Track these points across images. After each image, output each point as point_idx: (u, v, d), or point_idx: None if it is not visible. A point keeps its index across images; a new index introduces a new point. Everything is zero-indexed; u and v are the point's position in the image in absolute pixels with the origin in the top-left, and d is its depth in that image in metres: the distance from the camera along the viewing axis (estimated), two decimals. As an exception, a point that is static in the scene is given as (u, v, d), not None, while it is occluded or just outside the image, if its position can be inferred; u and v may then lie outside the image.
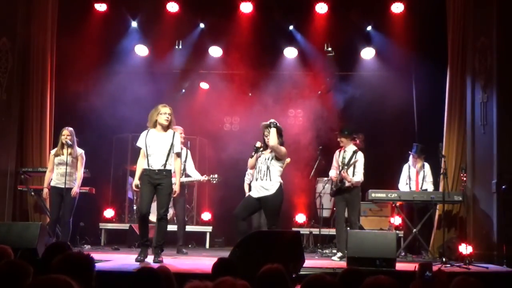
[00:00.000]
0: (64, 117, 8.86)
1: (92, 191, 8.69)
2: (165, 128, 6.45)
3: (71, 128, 7.35)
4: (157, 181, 6.34)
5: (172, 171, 6.53)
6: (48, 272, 2.60)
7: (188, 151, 8.26)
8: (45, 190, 7.33)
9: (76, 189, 7.28)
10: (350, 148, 7.55)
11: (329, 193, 8.06)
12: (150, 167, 6.37)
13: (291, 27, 10.07)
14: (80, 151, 7.40)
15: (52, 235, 7.19)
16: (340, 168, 7.47)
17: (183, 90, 11.06)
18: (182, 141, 7.66)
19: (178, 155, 6.59)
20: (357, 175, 7.37)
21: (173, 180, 6.57)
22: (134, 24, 10.03)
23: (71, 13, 9.18)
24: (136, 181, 6.51)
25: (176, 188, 6.52)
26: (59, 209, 7.22)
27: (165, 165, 6.37)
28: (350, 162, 7.39)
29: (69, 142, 7.17)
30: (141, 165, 6.47)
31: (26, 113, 8.55)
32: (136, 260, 6.23)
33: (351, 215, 7.38)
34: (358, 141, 7.80)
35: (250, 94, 10.39)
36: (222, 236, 10.01)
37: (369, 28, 9.86)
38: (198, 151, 10.25)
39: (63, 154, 7.21)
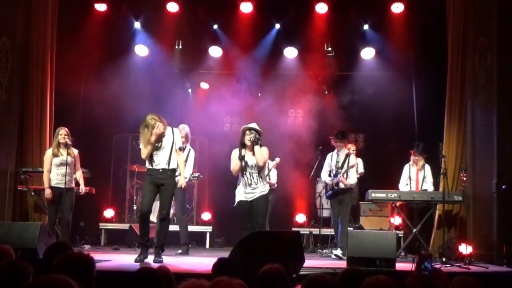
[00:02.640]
0: (64, 117, 8.85)
1: (92, 191, 8.67)
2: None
3: (66, 128, 7.32)
4: (161, 181, 6.37)
5: (177, 171, 6.55)
6: (48, 272, 2.60)
7: (192, 151, 8.18)
8: (48, 190, 7.14)
9: (83, 186, 7.44)
10: (343, 151, 7.86)
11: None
12: (154, 167, 6.39)
13: (283, 27, 10.05)
14: (75, 151, 7.40)
15: (52, 235, 7.18)
16: (334, 171, 7.77)
17: (190, 90, 11.07)
18: (183, 140, 7.67)
19: (181, 149, 6.61)
20: (351, 177, 7.70)
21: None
22: (134, 24, 10.05)
23: (71, 13, 9.18)
24: None
25: (181, 181, 6.57)
26: (58, 209, 7.21)
27: (169, 163, 6.40)
28: (349, 166, 7.67)
29: (69, 142, 7.15)
30: None
31: (26, 113, 8.54)
32: (136, 260, 6.22)
33: (342, 211, 7.65)
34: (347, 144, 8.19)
35: (259, 95, 10.36)
36: (222, 236, 10.01)
37: (369, 28, 9.86)
38: (198, 151, 10.23)
39: (62, 154, 7.18)
